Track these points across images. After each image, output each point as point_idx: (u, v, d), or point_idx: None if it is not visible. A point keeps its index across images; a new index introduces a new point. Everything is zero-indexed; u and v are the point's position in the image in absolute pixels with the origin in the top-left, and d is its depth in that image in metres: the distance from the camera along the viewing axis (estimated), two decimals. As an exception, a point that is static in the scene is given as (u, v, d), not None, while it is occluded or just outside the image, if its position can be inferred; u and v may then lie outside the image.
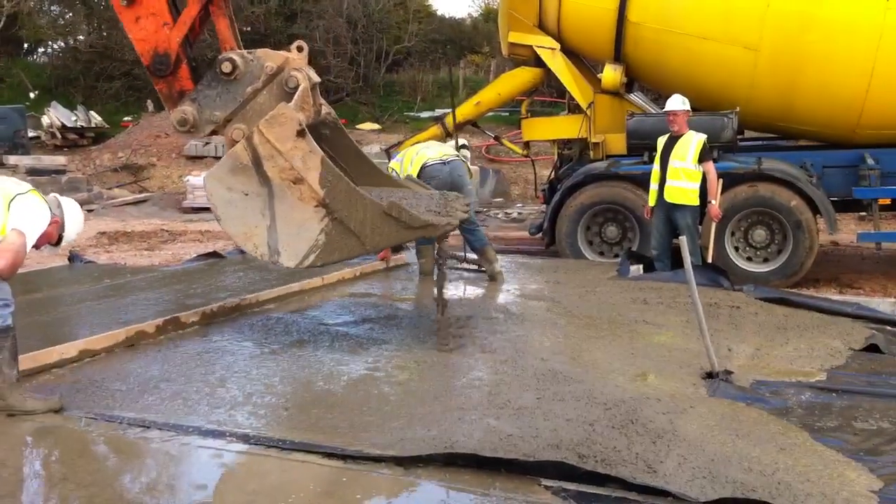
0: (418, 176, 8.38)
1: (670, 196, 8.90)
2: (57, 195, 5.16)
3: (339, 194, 5.68)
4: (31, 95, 30.17)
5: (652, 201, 9.20)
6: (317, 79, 6.26)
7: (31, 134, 24.33)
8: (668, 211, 8.98)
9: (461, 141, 10.45)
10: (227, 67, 6.00)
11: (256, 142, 5.70)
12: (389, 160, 12.99)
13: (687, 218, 8.85)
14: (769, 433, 4.42)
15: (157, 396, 5.00)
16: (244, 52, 6.18)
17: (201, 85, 6.16)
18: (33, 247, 4.94)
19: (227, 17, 6.45)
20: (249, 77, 6.04)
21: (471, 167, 10.17)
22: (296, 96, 5.87)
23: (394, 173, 8.74)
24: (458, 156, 8.74)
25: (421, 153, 8.61)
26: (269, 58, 6.04)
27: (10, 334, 4.72)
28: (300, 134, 5.67)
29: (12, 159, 20.68)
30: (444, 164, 8.49)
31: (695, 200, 8.91)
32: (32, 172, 18.75)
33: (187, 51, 6.38)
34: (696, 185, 8.88)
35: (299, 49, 6.14)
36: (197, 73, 6.30)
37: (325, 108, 6.65)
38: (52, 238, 5.02)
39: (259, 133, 5.69)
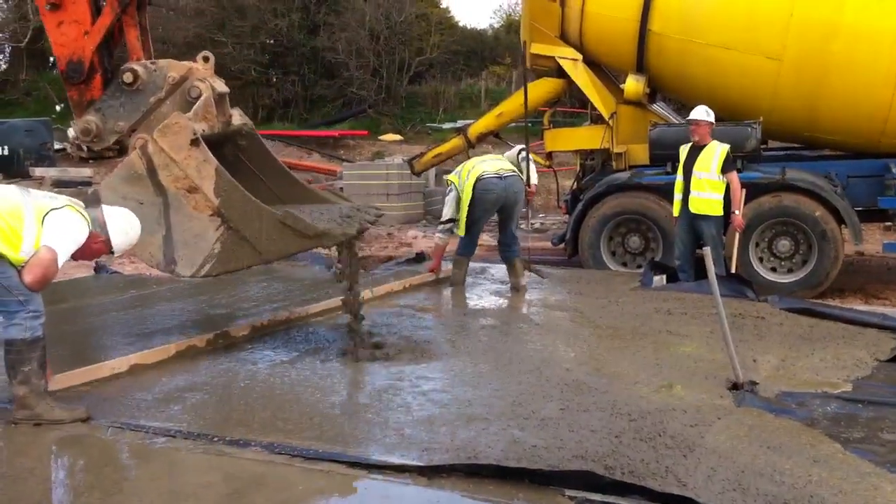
0: (473, 189, 8.38)
1: (695, 207, 8.87)
2: (106, 208, 5.16)
3: (235, 203, 5.70)
4: (57, 108, 30.47)
5: (676, 212, 9.17)
6: (223, 89, 6.30)
7: (56, 146, 24.55)
8: (693, 221, 8.95)
9: (519, 147, 10.40)
10: (128, 78, 6.08)
11: (151, 150, 5.74)
12: (412, 171, 13.08)
13: (711, 228, 8.82)
14: (799, 444, 4.38)
15: (182, 406, 5.03)
16: (147, 62, 6.27)
17: (105, 95, 6.26)
18: (82, 258, 5.08)
19: (138, 26, 6.63)
20: (153, 87, 6.13)
21: (534, 175, 10.15)
22: (196, 106, 5.96)
23: (451, 186, 8.75)
24: (515, 172, 8.70)
25: (478, 166, 8.59)
26: (173, 68, 6.12)
27: (39, 345, 4.76)
28: (194, 143, 5.69)
29: (38, 171, 20.90)
30: (501, 178, 8.44)
31: (719, 210, 8.87)
32: (58, 184, 18.91)
33: (104, 61, 6.51)
34: (720, 196, 8.85)
35: (205, 59, 6.22)
36: (109, 83, 6.40)
37: (241, 119, 6.64)
38: (97, 253, 5.09)
39: (153, 142, 5.74)
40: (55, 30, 6.44)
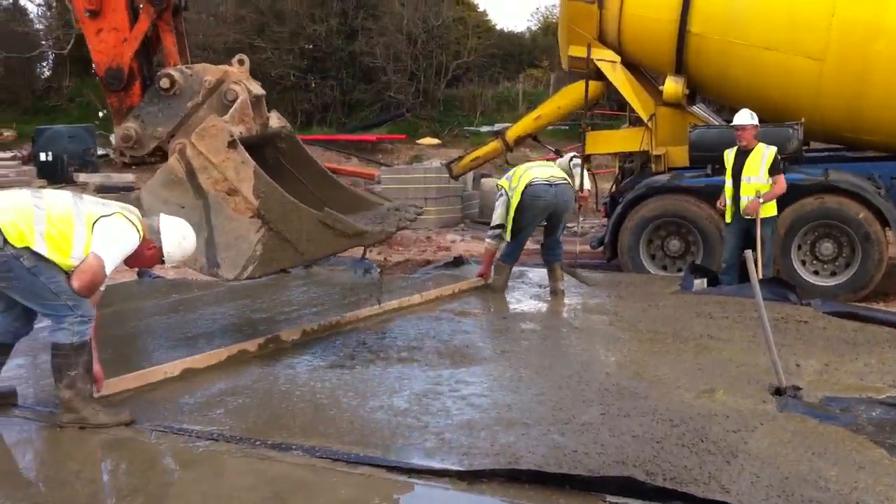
0: (522, 195, 8.35)
1: (748, 211, 8.79)
2: (164, 217, 5.23)
3: (274, 204, 5.71)
4: (100, 114, 30.88)
5: (728, 218, 9.05)
6: (259, 91, 6.30)
7: (100, 152, 24.92)
8: (745, 223, 8.86)
9: (571, 154, 10.38)
10: (165, 83, 6.12)
11: (189, 154, 5.77)
12: (450, 175, 13.10)
13: (766, 230, 8.73)
14: (844, 450, 4.32)
15: (224, 409, 5.07)
16: (183, 67, 6.28)
17: (143, 101, 6.29)
18: (137, 265, 5.24)
19: (174, 32, 6.59)
20: (189, 92, 6.14)
21: (585, 182, 10.12)
22: (232, 108, 5.97)
23: (501, 191, 8.72)
24: (566, 180, 8.65)
25: (529, 172, 8.56)
26: (208, 72, 6.13)
27: (86, 349, 4.83)
28: (231, 145, 5.71)
29: (82, 177, 21.22)
30: (550, 185, 8.38)
31: (772, 211, 8.78)
32: (101, 190, 19.18)
33: (143, 67, 6.51)
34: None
35: (240, 62, 6.22)
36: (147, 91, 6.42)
37: (279, 122, 6.66)
38: (151, 260, 5.16)
39: (191, 145, 5.77)
40: (94, 37, 6.49)
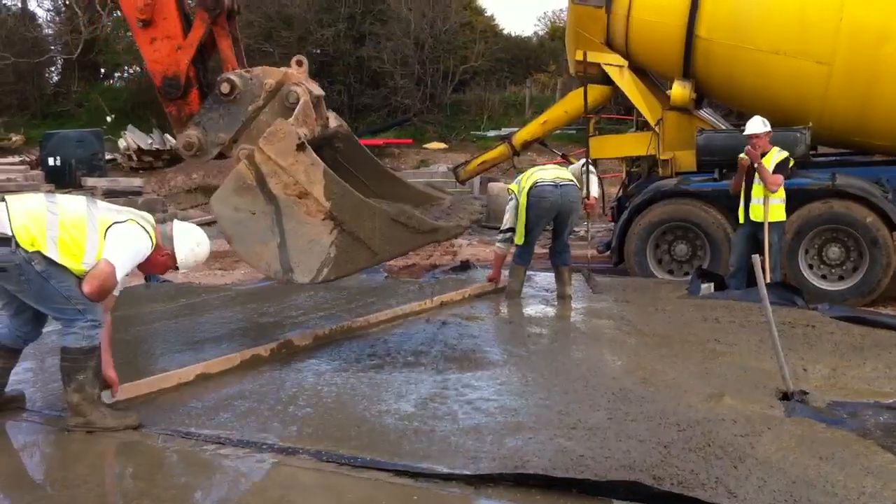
0: (528, 195, 8.37)
1: (755, 214, 8.77)
2: (178, 223, 5.27)
3: (346, 205, 5.66)
4: (108, 119, 31.02)
5: (742, 220, 9.04)
6: (319, 92, 6.24)
7: (108, 156, 25.00)
8: (753, 228, 8.85)
9: (584, 160, 10.37)
10: (225, 88, 6.06)
11: (258, 160, 5.73)
12: (457, 179, 13.11)
13: (773, 234, 8.71)
14: (852, 455, 4.31)
15: (231, 413, 5.09)
16: (242, 71, 6.20)
17: (203, 108, 6.20)
18: (151, 271, 5.27)
19: (229, 36, 6.49)
20: (250, 96, 6.07)
21: (594, 187, 10.09)
22: (296, 111, 5.88)
23: (512, 195, 8.75)
24: (573, 181, 8.63)
25: (535, 174, 8.57)
26: (268, 75, 6.06)
27: (95, 353, 4.86)
28: (300, 147, 5.66)
29: (90, 181, 21.28)
30: (557, 186, 8.37)
31: (781, 215, 8.76)
32: (109, 194, 19.24)
33: (199, 75, 6.41)
34: (782, 201, 8.73)
35: (299, 63, 6.15)
36: (205, 97, 6.34)
37: (337, 121, 6.62)
38: (164, 266, 5.19)
39: (259, 151, 5.72)
40: (148, 47, 6.28)
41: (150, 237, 4.94)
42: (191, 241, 5.18)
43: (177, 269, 5.23)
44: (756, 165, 8.64)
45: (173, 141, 27.78)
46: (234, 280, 11.42)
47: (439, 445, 4.48)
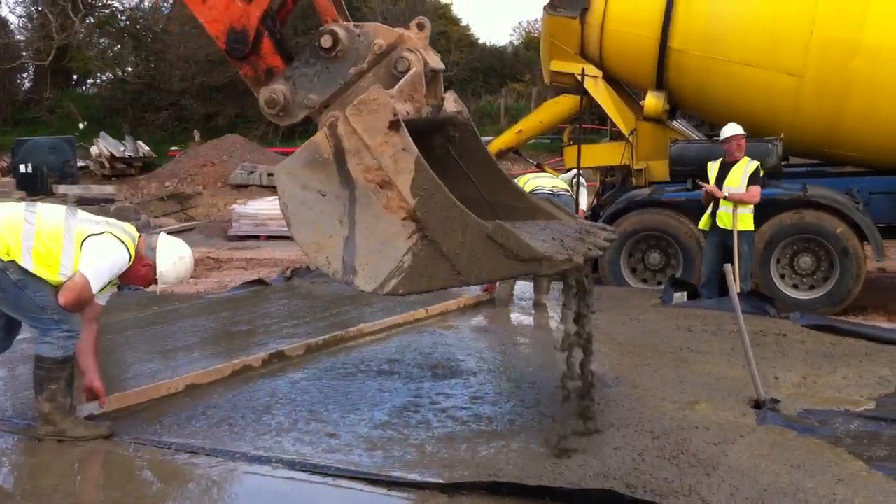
0: None
1: (723, 222, 8.85)
2: (163, 236, 5.20)
3: (435, 207, 4.56)
4: (81, 126, 30.83)
5: (703, 226, 9.13)
6: (438, 65, 5.21)
7: (80, 164, 24.82)
8: (722, 237, 8.92)
9: (574, 172, 10.38)
10: (327, 42, 4.98)
11: (341, 132, 4.69)
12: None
13: (743, 244, 8.79)
14: (823, 463, 4.35)
15: (203, 422, 5.06)
16: (350, 25, 5.12)
17: (298, 62, 5.15)
18: (132, 283, 5.15)
19: None
20: (354, 55, 4.99)
21: (584, 199, 10.07)
22: (401, 81, 4.84)
23: None
24: (569, 192, 8.60)
25: (532, 181, 8.55)
26: (380, 34, 4.99)
27: (69, 364, 4.82)
28: (393, 126, 4.59)
29: (62, 188, 21.11)
30: (554, 195, 8.32)
31: (749, 225, 8.84)
32: (81, 202, 19.07)
33: (270, 25, 5.41)
34: (750, 210, 8.82)
35: (420, 27, 5.14)
36: (284, 46, 5.28)
37: (456, 106, 5.56)
38: (145, 279, 5.09)
39: (345, 121, 4.66)
40: (201, 7, 5.33)
41: (128, 249, 4.89)
42: (173, 255, 5.10)
43: (156, 282, 5.14)
44: (727, 196, 8.73)
45: (146, 148, 27.87)
46: (206, 289, 11.35)
47: (413, 454, 4.48)
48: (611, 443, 4.54)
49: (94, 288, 4.76)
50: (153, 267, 5.03)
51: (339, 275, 4.72)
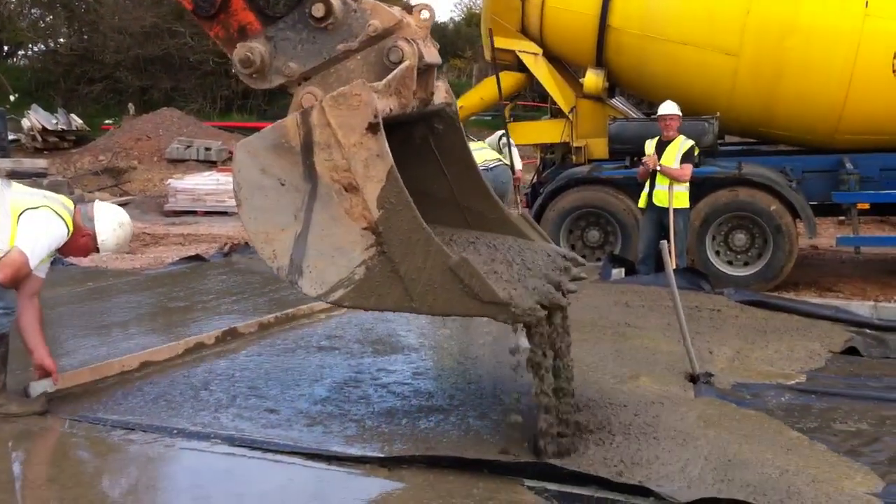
0: None
1: (659, 200, 8.96)
2: (97, 203, 5.11)
3: (400, 224, 4.21)
4: (12, 98, 30.01)
5: (641, 204, 9.24)
6: (434, 59, 4.82)
7: (11, 137, 24.16)
8: (659, 214, 9.04)
9: (500, 133, 10.28)
10: (318, 11, 4.52)
11: (314, 121, 4.32)
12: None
13: (678, 221, 8.91)
14: (770, 433, 4.47)
15: (140, 399, 5.00)
16: None
17: (284, 23, 4.69)
18: (72, 254, 5.10)
19: None
20: (346, 31, 4.54)
21: (517, 160, 9.90)
22: (391, 74, 4.41)
23: None
24: (501, 161, 8.45)
25: None
26: (378, 15, 4.54)
27: (4, 341, 4.72)
28: (371, 129, 4.23)
29: (-8, 162, 20.55)
30: (487, 170, 8.13)
31: (685, 203, 8.97)
32: (13, 175, 18.56)
33: None
34: (686, 188, 8.95)
35: (422, 13, 4.75)
36: (256, 2, 4.78)
37: (447, 98, 5.16)
38: (85, 249, 5.02)
39: (320, 111, 4.29)
40: None
41: (66, 222, 4.79)
42: (113, 222, 5.02)
43: (97, 251, 5.08)
44: (659, 169, 8.85)
45: (79, 121, 27.25)
46: (143, 264, 11.19)
47: (353, 429, 4.49)
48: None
49: (32, 263, 4.65)
50: (93, 237, 4.95)
51: (284, 272, 4.42)
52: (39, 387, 4.92)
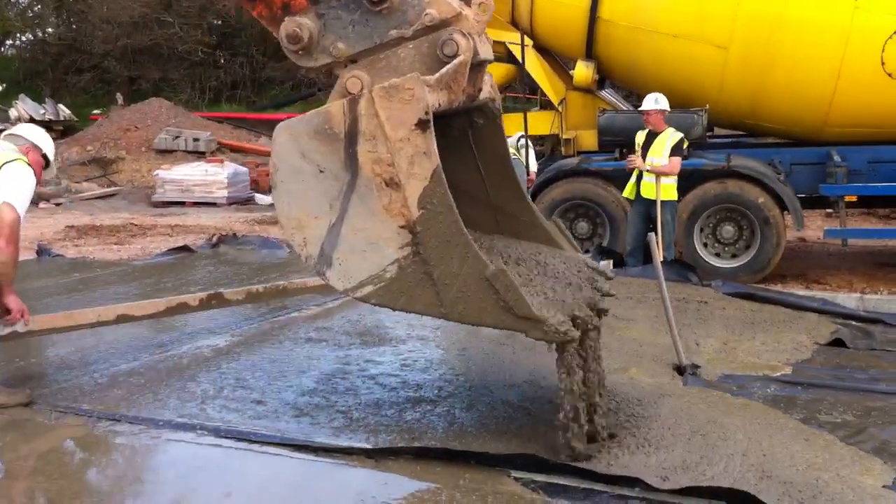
0: None
1: (647, 192, 8.97)
2: (21, 127, 5.22)
3: (439, 227, 4.07)
4: (0, 88, 29.83)
5: (627, 194, 9.25)
6: (488, 56, 4.65)
7: (-2, 126, 24.06)
8: (647, 206, 9.05)
9: (519, 134, 10.34)
10: None
11: (361, 110, 4.17)
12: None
13: (666, 213, 8.92)
14: (770, 422, 4.49)
15: (125, 390, 4.98)
16: None
17: (336, 1, 4.49)
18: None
19: None
20: (400, 17, 4.34)
21: (533, 161, 9.97)
22: (444, 69, 4.23)
23: None
24: (517, 156, 8.49)
25: None
26: (436, 4, 4.33)
27: None
28: (421, 125, 4.08)
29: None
30: None
31: (673, 195, 8.98)
32: (-1, 165, 18.51)
33: None
34: (673, 181, 8.95)
35: (482, 8, 4.57)
36: None
37: (491, 93, 4.98)
38: (39, 173, 5.04)
39: (369, 100, 4.14)
40: None
41: (28, 164, 4.84)
42: (42, 135, 5.16)
43: (46, 167, 5.14)
44: (648, 167, 8.85)
45: (67, 111, 27.10)
46: (130, 255, 11.15)
47: (340, 420, 4.48)
48: (538, 408, 4.59)
49: (22, 217, 4.70)
50: (43, 154, 5.07)
51: (312, 261, 4.28)
52: (6, 328, 4.85)
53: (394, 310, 4.26)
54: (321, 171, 4.23)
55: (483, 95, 4.83)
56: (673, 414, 4.55)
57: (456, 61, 4.21)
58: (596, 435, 4.12)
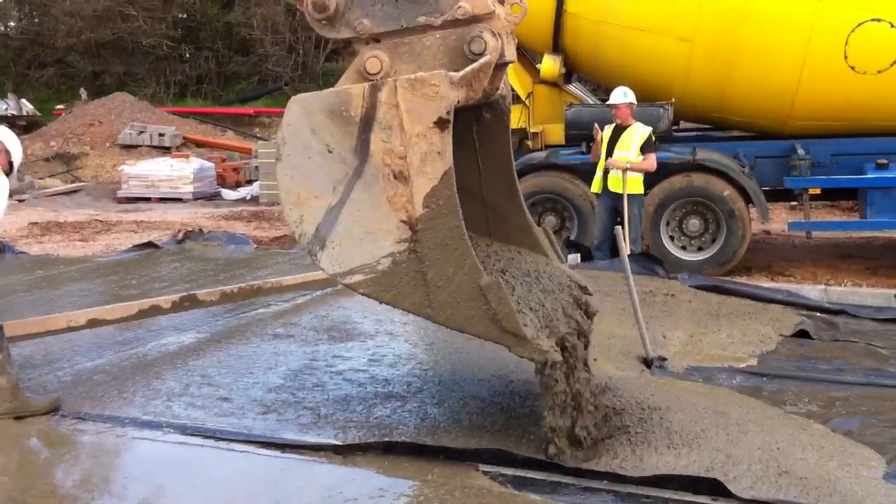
0: None
1: (614, 185, 9.00)
2: None
3: (440, 229, 4.05)
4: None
5: (595, 188, 9.28)
6: (511, 58, 4.56)
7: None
8: (614, 200, 9.08)
9: None
10: None
11: (381, 98, 4.11)
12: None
13: (633, 207, 8.96)
14: (751, 409, 4.51)
15: (89, 387, 4.93)
16: None
17: None
18: None
19: None
20: (432, 5, 4.24)
21: None
22: (468, 68, 4.15)
23: None
24: None
25: None
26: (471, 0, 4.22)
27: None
28: (440, 124, 4.05)
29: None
30: None
31: (639, 188, 9.01)
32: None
33: None
34: (640, 174, 8.99)
35: (515, 9, 4.50)
36: None
37: (503, 90, 4.89)
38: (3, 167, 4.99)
39: (391, 89, 4.08)
40: None
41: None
42: (13, 138, 5.13)
43: (10, 165, 5.07)
44: (629, 166, 8.86)
45: (30, 106, 26.76)
46: (94, 252, 11.02)
47: (308, 416, 4.46)
48: (507, 403, 4.60)
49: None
50: (5, 151, 5.02)
51: (305, 240, 4.23)
52: None
53: (380, 302, 4.23)
54: (329, 152, 4.16)
55: (498, 93, 4.77)
56: (640, 407, 4.57)
57: (482, 60, 4.13)
58: (582, 441, 4.10)
